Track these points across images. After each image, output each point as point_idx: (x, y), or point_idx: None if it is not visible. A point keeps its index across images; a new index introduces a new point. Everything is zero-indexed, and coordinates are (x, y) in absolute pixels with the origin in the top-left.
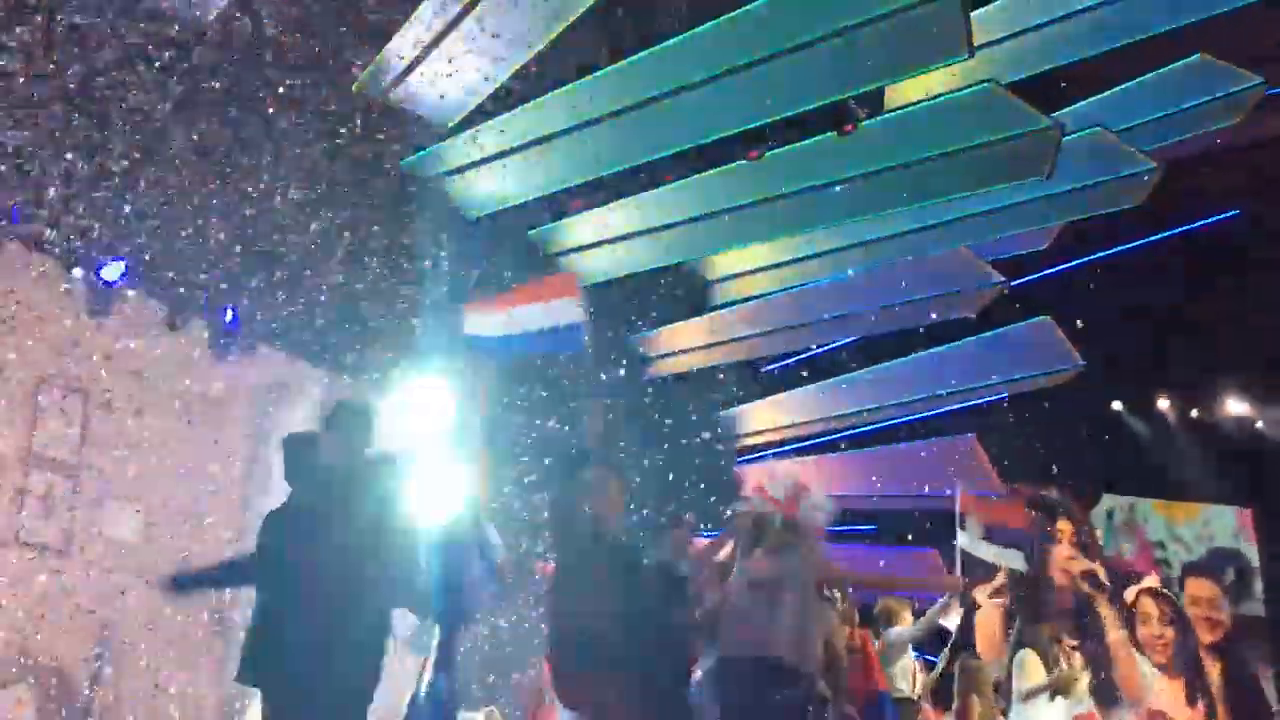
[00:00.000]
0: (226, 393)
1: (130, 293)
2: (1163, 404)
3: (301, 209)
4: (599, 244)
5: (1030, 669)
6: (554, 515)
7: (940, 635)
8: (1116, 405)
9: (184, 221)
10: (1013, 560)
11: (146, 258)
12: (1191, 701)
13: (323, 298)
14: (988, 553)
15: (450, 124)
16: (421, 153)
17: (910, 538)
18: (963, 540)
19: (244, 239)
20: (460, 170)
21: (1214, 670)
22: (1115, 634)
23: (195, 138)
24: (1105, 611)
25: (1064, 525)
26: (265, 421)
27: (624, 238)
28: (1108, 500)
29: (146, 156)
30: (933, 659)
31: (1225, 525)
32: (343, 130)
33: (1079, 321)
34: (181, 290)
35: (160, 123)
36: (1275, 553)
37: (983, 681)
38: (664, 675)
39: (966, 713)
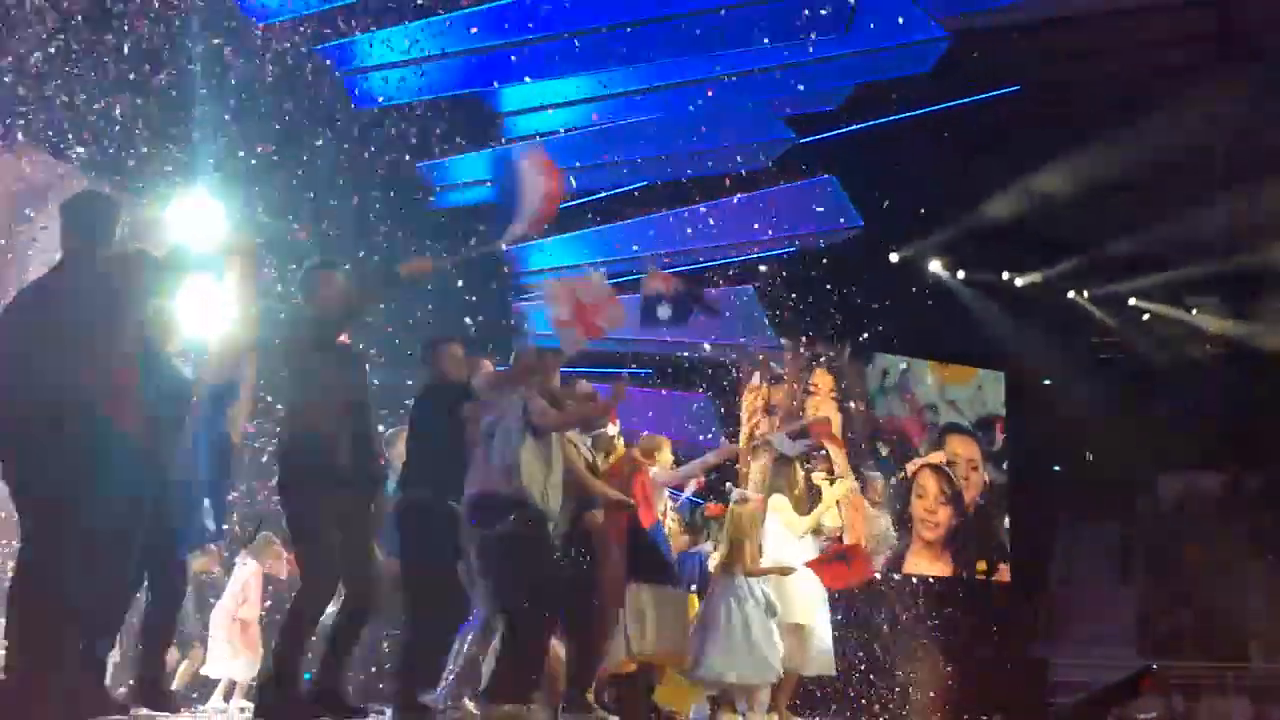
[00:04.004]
0: None
1: None
2: (935, 266)
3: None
4: (390, 65)
5: (781, 511)
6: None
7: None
8: (894, 258)
9: None
10: None
11: None
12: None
13: (84, 98)
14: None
15: None
16: None
17: (684, 383)
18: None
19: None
20: None
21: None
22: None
23: None
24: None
25: (822, 379)
26: (22, 225)
27: (417, 61)
28: (882, 359)
29: None
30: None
31: (998, 390)
32: None
33: (862, 182)
34: None
35: None
36: (1019, 417)
37: (752, 523)
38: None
39: (737, 552)
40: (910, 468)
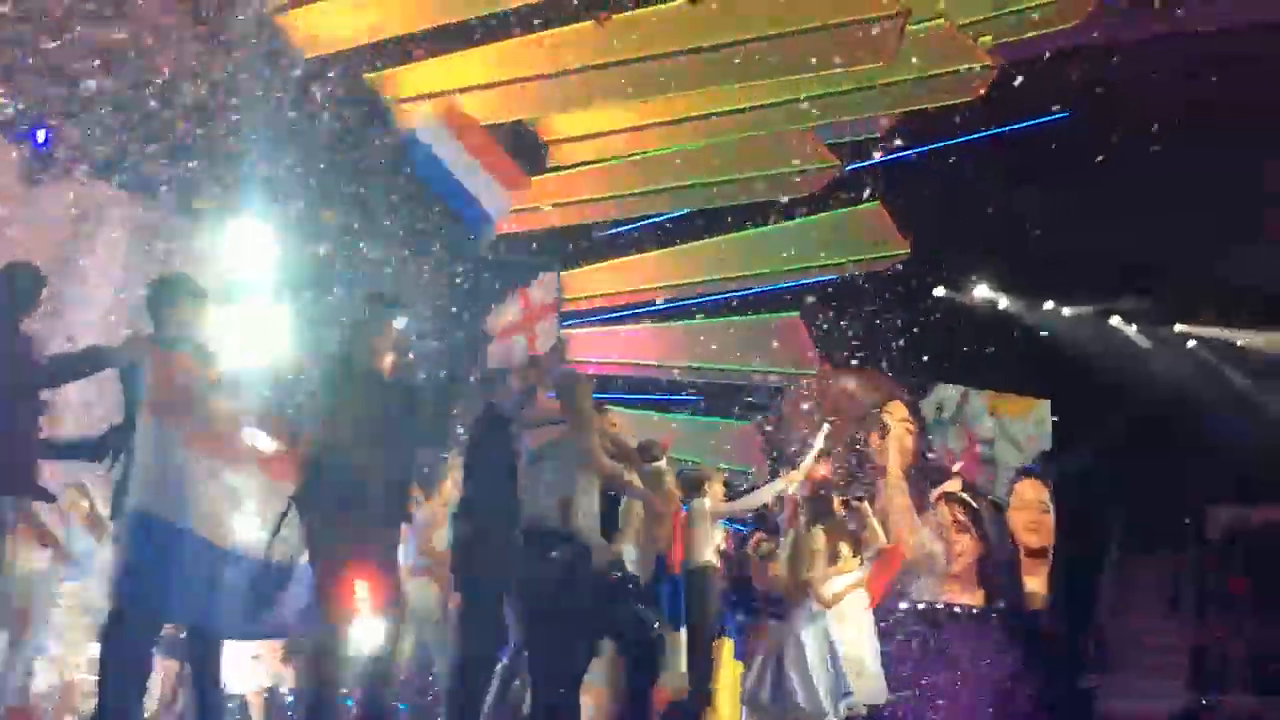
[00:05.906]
0: (34, 215)
1: None
2: (980, 293)
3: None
4: (438, 94)
5: (817, 543)
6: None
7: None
8: (939, 292)
9: None
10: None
11: None
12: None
13: (143, 125)
14: None
15: None
16: None
17: (732, 410)
18: None
19: (59, 61)
20: (297, 4)
21: (1036, 579)
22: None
23: None
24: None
25: (896, 409)
26: (72, 246)
27: (464, 90)
28: (939, 391)
29: None
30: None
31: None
32: None
33: (907, 209)
34: None
35: None
36: (1064, 448)
37: (814, 549)
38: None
39: (807, 581)
40: (933, 496)
